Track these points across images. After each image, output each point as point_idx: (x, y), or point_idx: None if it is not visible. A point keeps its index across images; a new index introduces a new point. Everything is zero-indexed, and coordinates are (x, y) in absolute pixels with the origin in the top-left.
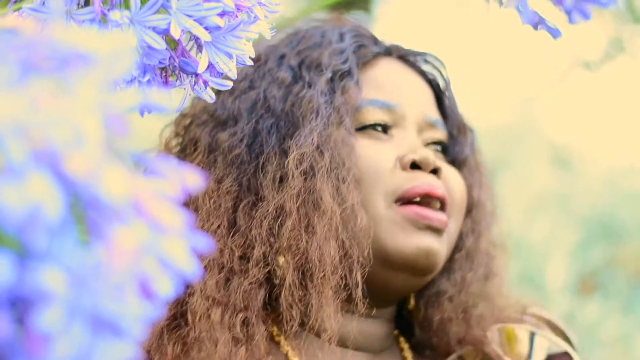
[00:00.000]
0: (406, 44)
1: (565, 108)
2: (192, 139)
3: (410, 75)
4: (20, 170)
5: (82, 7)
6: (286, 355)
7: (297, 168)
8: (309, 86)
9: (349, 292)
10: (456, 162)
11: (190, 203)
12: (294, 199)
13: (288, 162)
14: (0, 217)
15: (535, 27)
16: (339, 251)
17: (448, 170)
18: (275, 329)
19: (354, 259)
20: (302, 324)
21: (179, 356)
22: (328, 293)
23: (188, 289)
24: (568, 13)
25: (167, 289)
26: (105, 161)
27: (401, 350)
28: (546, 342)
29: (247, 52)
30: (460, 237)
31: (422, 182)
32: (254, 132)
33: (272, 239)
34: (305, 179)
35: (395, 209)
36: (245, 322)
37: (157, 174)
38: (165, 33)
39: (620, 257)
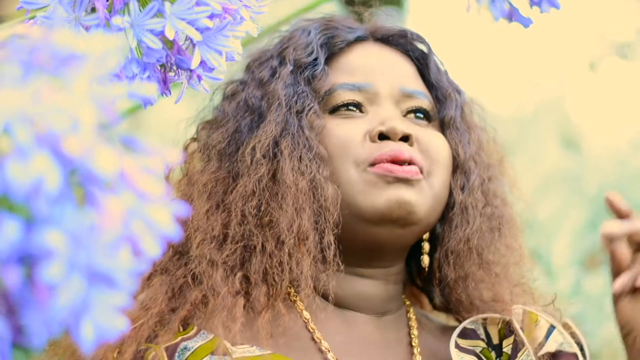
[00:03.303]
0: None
1: (578, 91)
2: (198, 141)
3: (386, 55)
4: (25, 151)
5: (88, 13)
6: (301, 313)
7: (261, 154)
8: (276, 81)
9: (323, 253)
10: (443, 125)
11: (188, 192)
12: (259, 182)
13: (254, 150)
14: (10, 189)
15: (510, 20)
16: (308, 220)
17: (424, 133)
18: (292, 290)
19: (324, 224)
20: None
21: (195, 306)
22: (302, 256)
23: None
24: (538, 5)
25: (153, 248)
26: (97, 142)
27: (409, 319)
28: (560, 338)
29: (235, 49)
30: (451, 194)
31: (389, 148)
32: (237, 129)
33: (245, 219)
34: (270, 162)
35: (367, 170)
36: (244, 279)
37: (143, 152)
38: (161, 34)
39: None
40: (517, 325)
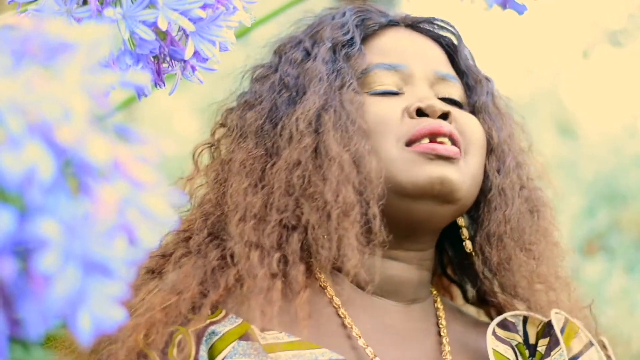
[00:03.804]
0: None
1: (572, 79)
2: (227, 124)
3: (417, 39)
4: (18, 140)
5: (80, 5)
6: (331, 299)
7: (305, 126)
8: (314, 58)
9: (368, 225)
10: (475, 110)
11: (222, 173)
12: (304, 152)
13: (297, 122)
14: (3, 178)
15: (504, 7)
16: (353, 191)
17: (461, 114)
18: (322, 276)
19: (369, 196)
20: (339, 270)
21: (228, 290)
22: (348, 227)
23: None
24: None
25: (148, 236)
26: (90, 131)
27: (436, 309)
28: (596, 356)
29: (228, 39)
30: (487, 176)
31: (428, 123)
32: (274, 107)
33: (290, 189)
34: (313, 134)
35: (406, 149)
36: (281, 260)
37: (137, 141)
38: (154, 26)
39: (625, 219)
40: (556, 327)
